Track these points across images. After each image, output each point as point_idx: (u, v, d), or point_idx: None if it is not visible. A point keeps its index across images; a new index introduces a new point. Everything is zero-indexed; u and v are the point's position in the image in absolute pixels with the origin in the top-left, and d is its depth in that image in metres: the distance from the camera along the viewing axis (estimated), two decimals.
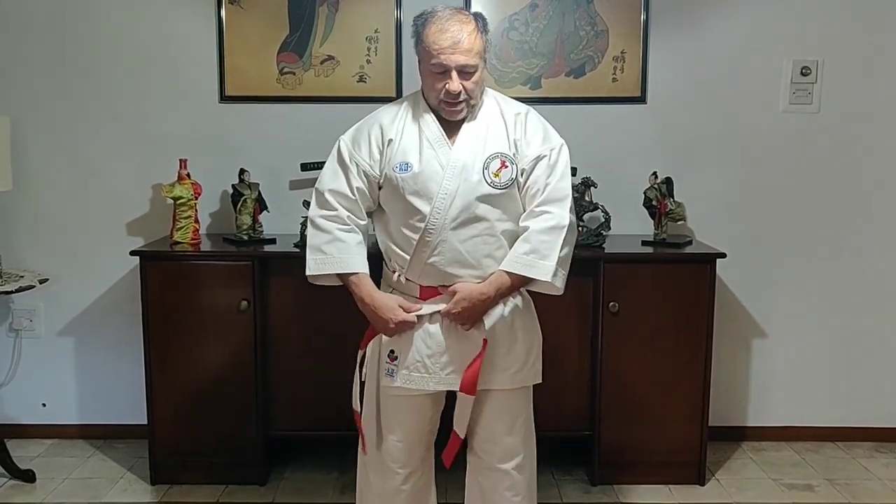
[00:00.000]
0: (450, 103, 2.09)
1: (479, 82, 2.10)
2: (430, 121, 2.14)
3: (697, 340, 2.95)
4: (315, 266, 2.16)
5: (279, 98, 3.26)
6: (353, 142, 2.18)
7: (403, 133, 2.14)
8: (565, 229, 2.10)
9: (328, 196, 2.17)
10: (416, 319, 2.13)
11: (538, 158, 2.12)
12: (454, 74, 2.05)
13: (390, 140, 2.14)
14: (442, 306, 2.12)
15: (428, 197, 2.08)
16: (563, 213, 2.11)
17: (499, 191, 2.09)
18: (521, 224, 2.14)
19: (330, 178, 2.18)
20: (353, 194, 2.16)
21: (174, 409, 2.98)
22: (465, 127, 2.13)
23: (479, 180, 2.08)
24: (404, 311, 2.12)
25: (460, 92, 2.06)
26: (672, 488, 3.03)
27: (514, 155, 2.12)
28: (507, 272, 2.10)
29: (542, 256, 2.08)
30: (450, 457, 2.21)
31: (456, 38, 2.03)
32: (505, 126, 2.15)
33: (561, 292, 2.15)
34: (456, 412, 2.19)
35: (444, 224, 2.08)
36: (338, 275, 2.17)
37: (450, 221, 2.08)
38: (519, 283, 2.13)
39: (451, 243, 2.09)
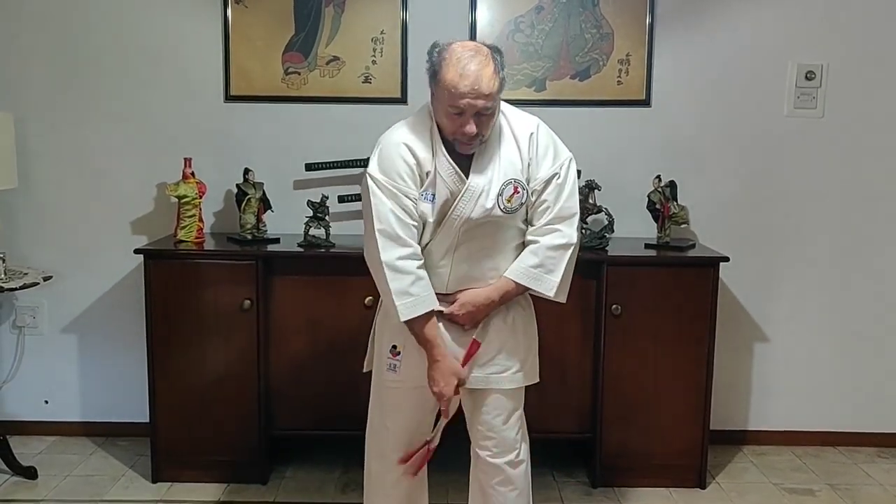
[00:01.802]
0: (464, 142, 2.08)
1: (493, 119, 2.09)
2: (443, 157, 2.11)
3: (699, 343, 2.95)
4: (407, 311, 2.06)
5: (284, 98, 3.26)
6: (388, 172, 2.08)
7: (433, 166, 2.11)
8: (572, 248, 2.17)
9: (401, 232, 2.07)
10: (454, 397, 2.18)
11: (549, 179, 2.15)
12: (471, 117, 2.02)
13: (428, 172, 2.10)
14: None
15: (439, 219, 2.12)
16: (571, 232, 2.16)
17: (509, 214, 2.13)
18: (528, 237, 2.18)
19: (391, 214, 2.07)
20: (416, 220, 2.10)
21: (176, 407, 2.98)
22: (479, 153, 2.12)
23: (493, 206, 2.10)
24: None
25: (477, 133, 2.05)
26: (673, 491, 3.03)
27: (526, 179, 2.14)
28: (511, 280, 2.16)
29: (548, 271, 2.15)
30: (417, 464, 2.27)
31: (475, 85, 1.98)
32: (518, 148, 2.14)
33: (564, 301, 2.22)
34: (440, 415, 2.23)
35: (452, 243, 2.13)
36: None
37: (458, 241, 2.13)
38: (520, 292, 2.20)
39: (458, 258, 2.14)
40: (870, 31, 3.25)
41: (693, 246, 3.16)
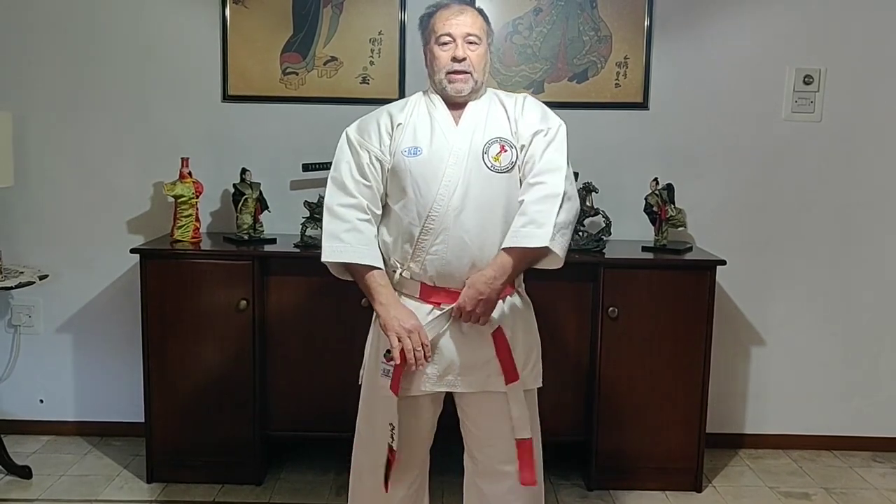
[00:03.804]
0: (456, 73, 2.13)
1: (482, 58, 2.16)
2: (439, 104, 2.18)
3: (696, 347, 2.95)
4: (332, 253, 2.10)
5: (282, 98, 3.26)
6: (361, 131, 2.18)
7: (413, 118, 2.17)
8: (559, 197, 2.06)
9: (349, 183, 2.13)
10: (420, 347, 2.07)
11: (535, 133, 2.14)
12: (459, 42, 2.13)
13: (399, 124, 2.16)
14: (443, 320, 2.11)
15: (434, 183, 2.08)
16: (556, 182, 2.08)
17: (500, 174, 2.10)
18: (518, 198, 2.12)
19: (346, 166, 2.15)
20: (369, 181, 2.14)
21: (171, 407, 2.97)
22: (467, 113, 2.16)
23: (479, 165, 2.09)
24: (416, 332, 2.06)
25: (465, 59, 2.12)
26: (668, 495, 3.03)
27: (512, 135, 2.14)
28: (506, 250, 2.07)
29: (539, 225, 2.04)
30: (530, 470, 2.16)
31: (460, 12, 2.16)
32: (504, 109, 2.19)
33: (562, 263, 2.11)
34: (514, 413, 2.13)
35: (447, 211, 2.07)
36: (349, 267, 2.14)
37: (453, 209, 2.07)
38: (521, 262, 2.09)
39: (454, 231, 2.07)
40: (868, 35, 3.26)
41: (690, 249, 3.15)
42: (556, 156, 2.12)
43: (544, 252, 2.08)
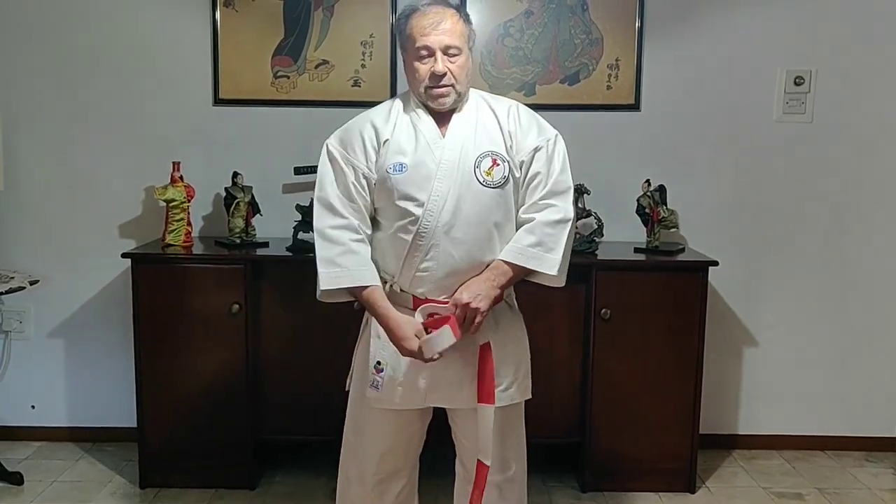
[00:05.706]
0: (436, 87, 2.03)
1: (464, 68, 2.05)
2: (423, 116, 2.08)
3: (689, 348, 2.95)
4: (329, 280, 2.01)
5: (273, 101, 3.25)
6: (345, 144, 2.08)
7: (398, 132, 2.07)
8: (570, 223, 2.07)
9: (337, 203, 2.04)
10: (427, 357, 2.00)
11: (536, 150, 2.07)
12: (439, 55, 2.01)
13: (386, 140, 2.06)
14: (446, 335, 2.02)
15: (421, 198, 2.01)
16: (567, 207, 2.07)
17: (492, 189, 2.03)
18: (522, 216, 2.08)
19: (331, 185, 2.05)
20: (356, 200, 2.06)
21: (164, 412, 2.96)
22: (454, 124, 2.08)
23: (470, 180, 2.02)
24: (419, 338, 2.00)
25: (446, 74, 2.02)
26: (662, 496, 3.03)
27: (507, 149, 2.06)
28: (508, 262, 2.04)
29: (548, 249, 2.03)
30: (480, 493, 2.10)
31: (438, 20, 2.02)
32: (497, 120, 2.10)
33: (563, 284, 2.11)
34: (480, 434, 2.06)
35: (436, 227, 2.00)
36: (349, 290, 2.06)
37: (442, 224, 2.00)
38: (519, 275, 2.07)
39: (444, 247, 2.01)
40: (858, 36, 3.27)
41: (682, 250, 3.16)
42: (563, 177, 2.10)
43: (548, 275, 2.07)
